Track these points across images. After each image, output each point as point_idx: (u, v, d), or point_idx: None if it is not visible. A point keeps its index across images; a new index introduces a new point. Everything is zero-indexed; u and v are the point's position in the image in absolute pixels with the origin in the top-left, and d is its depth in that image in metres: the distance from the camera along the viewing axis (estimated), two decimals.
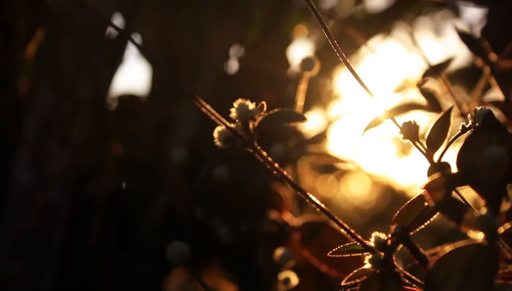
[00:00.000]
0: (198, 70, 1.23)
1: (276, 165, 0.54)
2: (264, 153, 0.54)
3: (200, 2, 1.25)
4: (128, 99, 1.34)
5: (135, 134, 1.27)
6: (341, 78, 1.42)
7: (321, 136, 1.28)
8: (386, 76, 1.20)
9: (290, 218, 0.92)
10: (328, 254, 0.57)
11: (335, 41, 0.57)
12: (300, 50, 1.39)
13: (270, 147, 0.91)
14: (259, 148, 0.54)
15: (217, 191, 0.96)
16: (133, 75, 1.58)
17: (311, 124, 1.35)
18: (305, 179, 1.36)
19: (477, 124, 0.56)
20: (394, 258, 0.53)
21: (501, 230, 0.47)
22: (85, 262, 1.14)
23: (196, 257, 1.07)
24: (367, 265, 0.53)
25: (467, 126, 0.58)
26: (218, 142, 0.54)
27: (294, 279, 0.81)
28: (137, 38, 1.39)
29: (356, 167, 1.71)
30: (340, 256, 0.56)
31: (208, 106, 0.53)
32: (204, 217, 0.97)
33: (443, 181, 0.49)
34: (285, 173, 0.54)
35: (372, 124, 0.83)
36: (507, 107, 0.86)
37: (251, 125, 0.53)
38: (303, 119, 0.53)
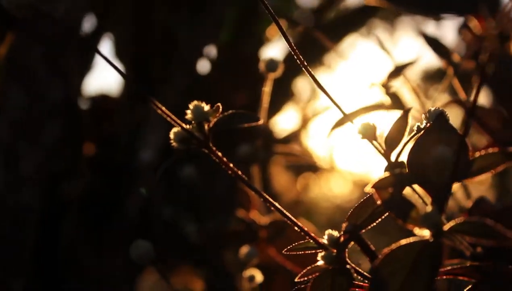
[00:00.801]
0: (170, 70, 1.24)
1: (231, 165, 0.55)
2: (220, 154, 0.55)
3: (173, 1, 1.26)
4: (102, 100, 1.34)
5: (109, 135, 1.27)
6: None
7: (293, 136, 1.29)
8: (357, 76, 1.22)
9: (257, 217, 0.93)
10: (283, 251, 0.58)
11: (298, 49, 0.59)
12: (273, 50, 1.41)
13: (237, 146, 0.92)
14: (214, 148, 0.55)
15: (186, 191, 0.97)
16: (108, 76, 1.58)
17: (285, 123, 1.36)
18: (279, 178, 1.38)
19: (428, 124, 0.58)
20: (346, 255, 0.54)
21: (446, 227, 0.48)
22: (57, 264, 1.14)
23: (167, 255, 1.08)
24: (320, 262, 0.54)
25: (421, 126, 0.60)
26: (174, 143, 0.55)
27: (259, 277, 0.83)
28: (110, 38, 1.39)
29: (331, 166, 1.73)
30: (303, 253, 0.58)
31: (163, 108, 0.54)
32: (174, 216, 0.98)
33: (391, 180, 0.50)
34: (239, 172, 0.55)
35: (336, 125, 0.85)
36: (468, 106, 0.88)
37: (206, 127, 0.54)
38: (256, 120, 0.54)
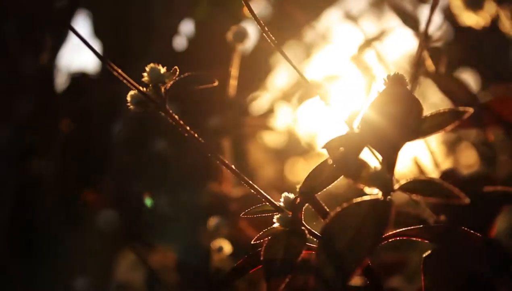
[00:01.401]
0: (146, 45, 1.24)
1: (195, 133, 0.55)
2: (176, 116, 0.55)
3: None
4: (79, 77, 1.34)
5: (85, 111, 1.27)
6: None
7: (270, 112, 1.29)
8: (332, 50, 1.22)
9: (228, 189, 0.93)
10: (241, 214, 0.58)
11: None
12: (250, 26, 1.40)
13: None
14: (171, 111, 0.55)
15: (158, 164, 0.97)
16: (86, 52, 1.57)
17: (265, 100, 1.36)
18: (259, 155, 1.38)
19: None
20: (301, 216, 0.55)
21: (396, 186, 0.49)
22: (31, 238, 1.14)
23: (141, 231, 1.09)
24: (276, 224, 0.55)
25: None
26: (131, 106, 0.55)
27: (227, 248, 0.83)
28: (88, 14, 1.39)
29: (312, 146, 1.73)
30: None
31: (120, 71, 0.54)
32: (145, 189, 0.98)
33: (341, 140, 0.50)
34: (196, 135, 0.55)
35: (303, 97, 0.85)
36: (437, 78, 0.88)
37: (162, 89, 0.54)
38: (211, 82, 0.54)
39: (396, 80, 0.59)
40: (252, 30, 1.34)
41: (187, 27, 1.31)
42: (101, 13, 1.38)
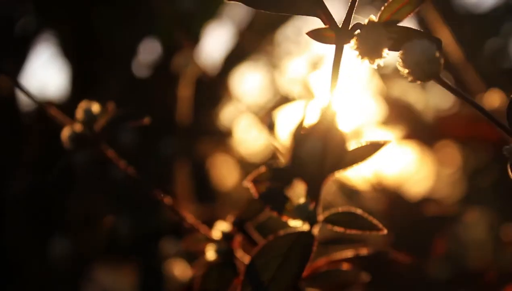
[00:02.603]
0: (109, 69, 1.25)
1: (124, 162, 0.57)
2: (112, 153, 0.57)
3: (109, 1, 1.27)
4: (45, 100, 1.34)
5: (51, 133, 1.27)
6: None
7: (228, 132, 1.30)
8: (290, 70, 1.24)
9: (187, 210, 0.95)
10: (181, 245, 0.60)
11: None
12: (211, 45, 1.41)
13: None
14: (106, 147, 0.56)
15: (118, 187, 0.98)
16: (51, 74, 1.58)
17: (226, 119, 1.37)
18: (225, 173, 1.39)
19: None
20: (234, 247, 0.56)
21: (320, 218, 0.50)
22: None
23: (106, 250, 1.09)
24: (210, 255, 0.56)
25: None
26: (66, 144, 0.56)
27: (182, 267, 0.85)
28: (54, 37, 1.40)
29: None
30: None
31: (54, 110, 0.55)
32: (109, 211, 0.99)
33: (267, 173, 0.52)
34: (132, 171, 0.56)
35: (260, 120, 0.86)
36: (388, 102, 0.90)
37: (95, 126, 0.56)
38: (142, 119, 0.55)
39: (324, 109, 0.60)
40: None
41: (148, 47, 1.32)
42: (65, 35, 1.39)
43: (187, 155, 0.93)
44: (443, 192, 0.97)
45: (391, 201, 0.82)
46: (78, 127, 0.56)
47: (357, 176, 0.87)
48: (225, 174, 1.09)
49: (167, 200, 0.65)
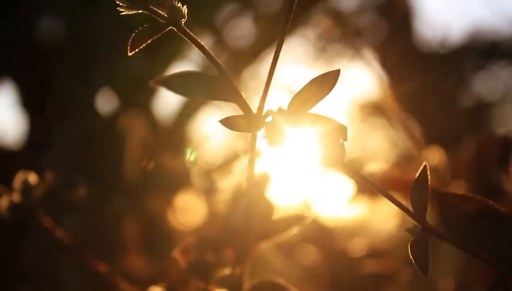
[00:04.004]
0: (64, 121, 1.27)
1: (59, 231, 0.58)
2: (49, 224, 0.58)
3: (60, 54, 1.29)
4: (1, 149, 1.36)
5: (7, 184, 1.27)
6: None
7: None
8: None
9: (136, 264, 0.96)
10: None
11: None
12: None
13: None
14: (42, 217, 0.58)
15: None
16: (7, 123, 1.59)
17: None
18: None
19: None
20: None
21: (246, 287, 0.52)
22: None
23: None
24: None
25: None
26: (2, 211, 0.58)
27: None
28: (12, 84, 1.42)
29: None
30: None
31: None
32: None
33: (193, 244, 0.54)
34: (63, 238, 0.58)
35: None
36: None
37: (33, 197, 0.58)
38: (78, 188, 0.57)
39: (259, 179, 0.63)
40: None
41: (104, 101, 1.34)
42: (23, 84, 1.41)
43: (137, 209, 0.94)
44: (386, 246, 0.99)
45: (332, 256, 0.84)
46: (15, 197, 0.57)
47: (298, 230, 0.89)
48: (176, 228, 1.10)
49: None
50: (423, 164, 0.42)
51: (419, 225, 0.42)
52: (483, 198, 0.45)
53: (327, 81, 0.41)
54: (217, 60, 0.43)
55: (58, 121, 1.29)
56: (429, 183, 0.41)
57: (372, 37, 2.79)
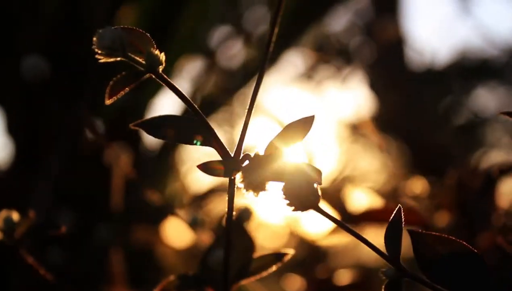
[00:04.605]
0: (52, 147, 1.27)
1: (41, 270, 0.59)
2: (31, 259, 0.59)
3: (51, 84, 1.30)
4: None
5: None
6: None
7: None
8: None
9: None
10: None
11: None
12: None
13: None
14: (26, 253, 0.59)
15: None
16: None
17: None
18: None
19: None
20: None
21: None
22: None
23: None
24: None
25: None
26: None
27: None
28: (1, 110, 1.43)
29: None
30: None
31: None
32: None
33: (175, 282, 0.54)
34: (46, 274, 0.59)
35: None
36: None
37: (15, 234, 0.58)
38: (58, 229, 0.58)
39: (241, 215, 0.64)
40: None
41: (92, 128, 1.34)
42: (13, 110, 1.42)
43: (123, 240, 0.95)
44: (369, 276, 1.00)
45: (317, 286, 0.84)
46: None
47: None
48: (162, 259, 1.11)
49: None
50: (398, 206, 0.43)
51: (393, 267, 0.43)
52: (457, 239, 0.45)
53: (302, 126, 0.42)
54: (194, 105, 0.44)
55: (45, 149, 1.29)
56: (402, 226, 0.42)
57: (361, 59, 2.82)
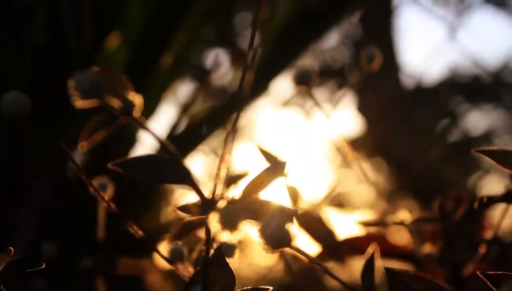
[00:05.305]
0: (37, 178, 1.27)
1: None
2: None
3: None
4: None
5: None
6: None
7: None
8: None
9: None
10: None
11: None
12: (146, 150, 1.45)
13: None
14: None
15: None
16: None
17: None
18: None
19: None
20: None
21: None
22: None
23: None
24: None
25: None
26: None
27: None
28: None
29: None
30: None
31: None
32: None
33: None
34: None
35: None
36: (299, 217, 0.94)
37: None
38: (40, 265, 0.58)
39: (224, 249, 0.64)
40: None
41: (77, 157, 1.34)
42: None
43: (109, 270, 0.94)
44: None
45: None
46: None
47: None
48: (149, 288, 1.10)
49: None
50: (371, 252, 0.44)
51: None
52: (432, 278, 0.46)
53: (275, 171, 0.43)
54: (168, 147, 0.45)
55: (28, 182, 1.29)
56: (374, 271, 0.43)
57: (351, 81, 2.83)
